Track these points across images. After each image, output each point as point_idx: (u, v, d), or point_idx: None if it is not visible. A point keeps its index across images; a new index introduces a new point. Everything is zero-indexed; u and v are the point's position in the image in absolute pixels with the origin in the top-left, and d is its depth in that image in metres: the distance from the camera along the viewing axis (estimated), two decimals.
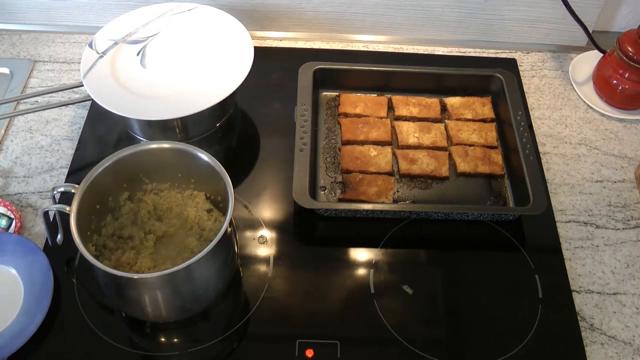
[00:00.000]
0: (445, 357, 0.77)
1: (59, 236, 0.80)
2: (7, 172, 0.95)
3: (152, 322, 0.78)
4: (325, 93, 1.06)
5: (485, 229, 0.90)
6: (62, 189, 0.74)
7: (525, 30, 1.18)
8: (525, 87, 1.12)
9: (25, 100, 1.04)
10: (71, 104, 1.01)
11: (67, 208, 0.71)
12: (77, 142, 0.98)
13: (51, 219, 0.83)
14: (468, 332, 0.80)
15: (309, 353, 0.76)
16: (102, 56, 0.95)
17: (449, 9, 1.15)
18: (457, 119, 1.02)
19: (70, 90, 1.04)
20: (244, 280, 0.84)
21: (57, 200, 0.78)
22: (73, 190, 0.73)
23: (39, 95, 1.02)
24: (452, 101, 1.04)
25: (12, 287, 0.79)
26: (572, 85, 1.11)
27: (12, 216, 0.86)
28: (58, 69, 1.11)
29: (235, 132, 1.03)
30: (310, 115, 0.95)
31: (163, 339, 0.79)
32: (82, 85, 0.92)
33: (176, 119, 0.92)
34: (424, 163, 0.95)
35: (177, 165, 0.80)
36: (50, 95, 1.03)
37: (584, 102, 1.08)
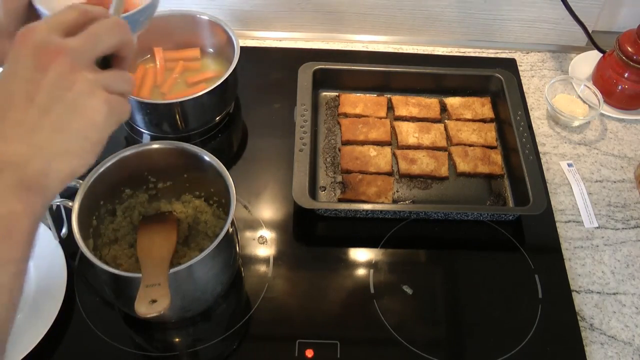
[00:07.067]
0: (445, 357, 0.77)
1: (63, 229, 0.81)
2: None
3: (152, 322, 0.78)
4: (325, 93, 1.06)
5: (485, 229, 0.90)
6: None
7: (525, 30, 1.18)
8: (525, 87, 1.12)
9: None
10: None
11: (70, 203, 0.71)
12: None
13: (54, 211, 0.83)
14: (468, 332, 0.80)
15: (309, 353, 0.76)
16: None
17: (449, 9, 1.15)
18: (457, 119, 1.02)
19: None
20: (244, 280, 0.84)
21: (60, 195, 0.77)
22: (77, 185, 0.73)
23: None
24: (452, 101, 1.04)
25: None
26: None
27: None
28: None
29: (235, 132, 1.03)
30: (310, 115, 0.95)
31: (163, 339, 0.79)
32: None
33: (176, 110, 0.93)
34: (424, 163, 0.95)
35: (180, 165, 0.80)
36: None
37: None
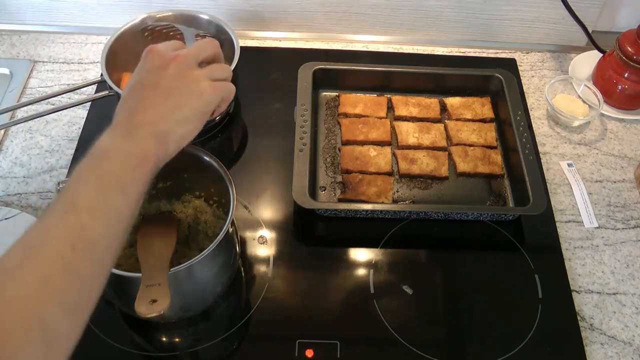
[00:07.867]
0: (445, 357, 0.77)
1: None
2: (6, 173, 0.95)
3: (152, 322, 0.78)
4: (325, 93, 1.06)
5: (485, 229, 0.90)
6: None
7: (525, 30, 1.18)
8: (525, 87, 1.12)
9: (30, 99, 1.04)
10: (87, 101, 0.95)
11: None
12: (77, 142, 0.98)
13: None
14: (468, 332, 0.80)
15: (309, 353, 0.76)
16: None
17: (449, 9, 1.15)
18: (457, 119, 1.02)
19: (69, 91, 1.04)
20: (244, 280, 0.84)
21: None
22: None
23: (45, 99, 0.97)
24: (452, 101, 1.04)
25: None
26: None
27: None
28: (58, 69, 1.11)
29: (235, 132, 1.03)
30: (310, 115, 0.95)
31: (163, 339, 0.79)
32: (86, 86, 0.93)
33: None
34: (424, 163, 0.95)
35: (180, 165, 0.79)
36: (47, 101, 1.02)
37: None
